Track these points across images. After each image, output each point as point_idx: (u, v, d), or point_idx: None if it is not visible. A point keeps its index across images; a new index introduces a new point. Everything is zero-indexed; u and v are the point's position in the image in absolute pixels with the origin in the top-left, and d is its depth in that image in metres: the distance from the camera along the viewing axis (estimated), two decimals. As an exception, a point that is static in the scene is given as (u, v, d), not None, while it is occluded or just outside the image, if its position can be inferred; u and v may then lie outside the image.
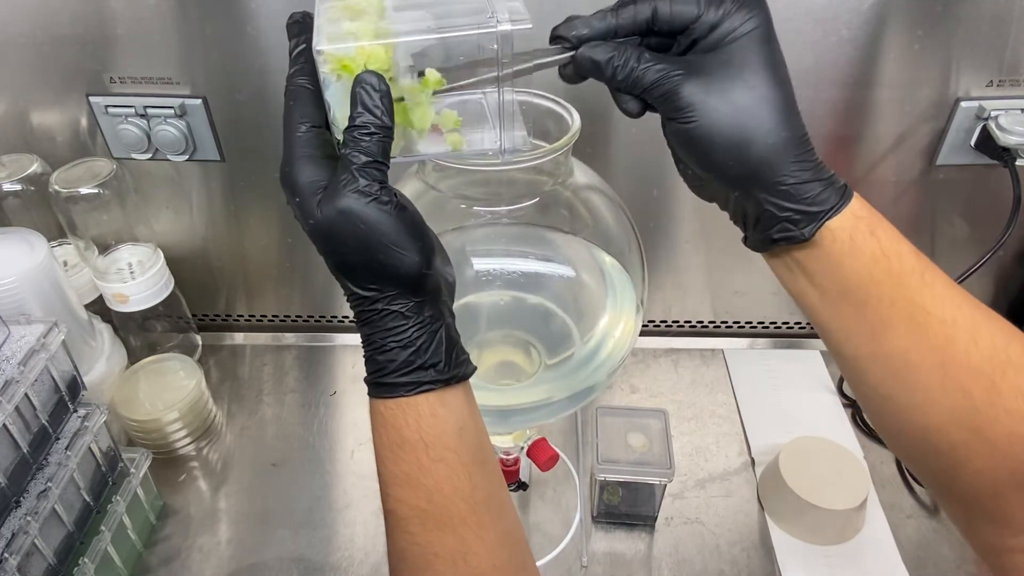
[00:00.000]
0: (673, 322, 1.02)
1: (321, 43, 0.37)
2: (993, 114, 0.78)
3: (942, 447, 0.41)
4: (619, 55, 0.40)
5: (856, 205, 0.40)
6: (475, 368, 0.43)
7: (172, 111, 0.82)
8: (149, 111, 0.82)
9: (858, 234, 0.40)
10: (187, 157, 0.86)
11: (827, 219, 0.40)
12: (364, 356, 0.41)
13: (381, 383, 0.40)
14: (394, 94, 0.38)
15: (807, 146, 0.40)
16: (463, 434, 0.41)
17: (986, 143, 0.79)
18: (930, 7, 0.73)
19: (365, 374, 0.42)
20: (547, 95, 0.56)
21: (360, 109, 0.37)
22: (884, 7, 0.73)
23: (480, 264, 0.56)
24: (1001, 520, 0.41)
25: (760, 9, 0.39)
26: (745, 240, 0.44)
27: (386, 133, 0.38)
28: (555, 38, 0.42)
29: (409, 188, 0.57)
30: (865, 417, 0.89)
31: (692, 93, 0.39)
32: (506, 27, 0.37)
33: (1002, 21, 0.73)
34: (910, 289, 0.40)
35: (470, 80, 0.40)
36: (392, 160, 0.39)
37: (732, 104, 0.39)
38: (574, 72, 0.42)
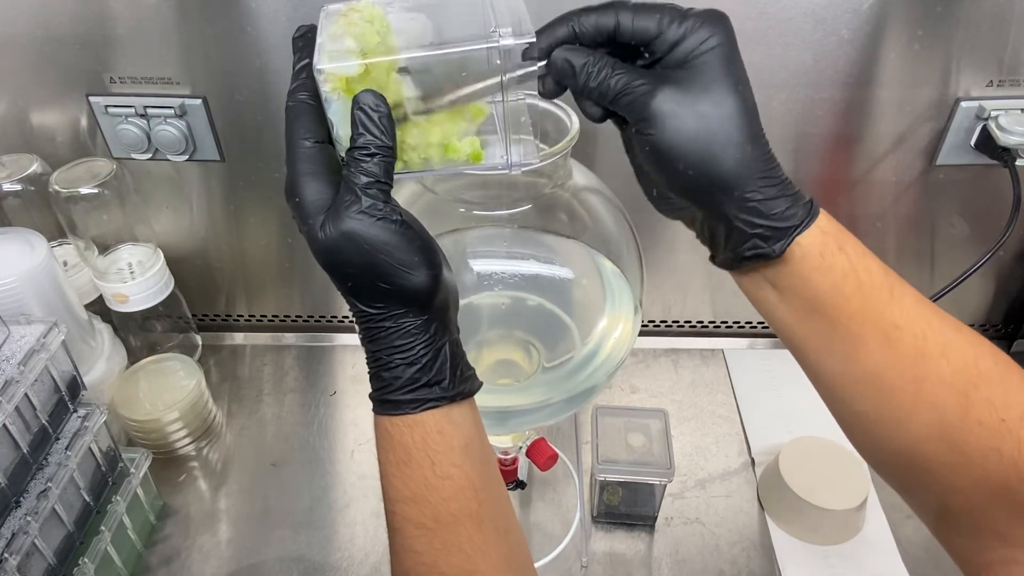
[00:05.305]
0: (673, 322, 1.02)
1: (322, 61, 0.37)
2: (993, 114, 0.77)
3: (918, 462, 0.41)
4: (593, 61, 0.40)
5: (823, 221, 0.40)
6: (481, 384, 0.43)
7: (172, 111, 0.82)
8: (149, 111, 0.82)
9: (827, 250, 0.40)
10: (187, 157, 0.86)
11: (797, 234, 0.39)
12: (369, 372, 0.41)
13: (386, 400, 0.40)
14: (396, 112, 0.38)
15: (773, 162, 0.40)
16: (469, 451, 0.41)
17: (986, 143, 0.79)
18: (930, 7, 0.73)
19: (370, 390, 0.41)
20: None
21: (360, 130, 0.37)
22: (884, 7, 0.73)
23: (478, 266, 0.56)
24: (979, 534, 0.40)
25: (721, 28, 0.39)
26: (713, 259, 0.44)
27: (387, 152, 0.37)
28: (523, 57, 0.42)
29: (406, 190, 0.57)
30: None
31: (661, 103, 0.38)
32: (509, 42, 0.37)
33: (1002, 21, 0.73)
34: (880, 304, 0.40)
35: (469, 90, 0.39)
36: (397, 175, 0.39)
37: (700, 117, 0.38)
38: (550, 79, 0.41)
